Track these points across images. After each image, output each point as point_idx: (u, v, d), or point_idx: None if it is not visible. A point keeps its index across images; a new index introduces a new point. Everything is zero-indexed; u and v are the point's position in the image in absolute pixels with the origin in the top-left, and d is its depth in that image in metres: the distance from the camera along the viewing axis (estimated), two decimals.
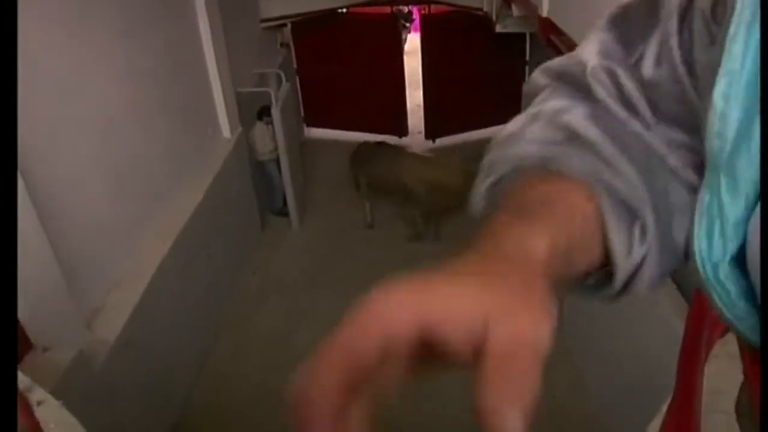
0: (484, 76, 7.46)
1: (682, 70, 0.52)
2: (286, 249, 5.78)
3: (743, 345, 0.49)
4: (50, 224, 2.50)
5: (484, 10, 6.20)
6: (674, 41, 0.52)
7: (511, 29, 5.43)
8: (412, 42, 9.57)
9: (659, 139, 0.54)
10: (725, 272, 0.44)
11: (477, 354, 0.32)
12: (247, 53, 5.78)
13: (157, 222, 3.74)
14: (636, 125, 0.54)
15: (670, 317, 2.62)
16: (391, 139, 7.83)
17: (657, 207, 0.51)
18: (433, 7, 7.28)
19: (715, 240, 0.43)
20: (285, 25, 7.14)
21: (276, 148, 5.63)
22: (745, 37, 0.40)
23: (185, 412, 3.82)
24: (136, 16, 3.62)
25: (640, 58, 0.54)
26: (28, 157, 2.42)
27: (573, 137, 0.54)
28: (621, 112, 0.54)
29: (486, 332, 0.32)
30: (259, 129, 5.60)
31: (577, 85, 0.57)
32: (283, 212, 6.05)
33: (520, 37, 6.64)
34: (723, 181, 0.42)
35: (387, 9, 7.39)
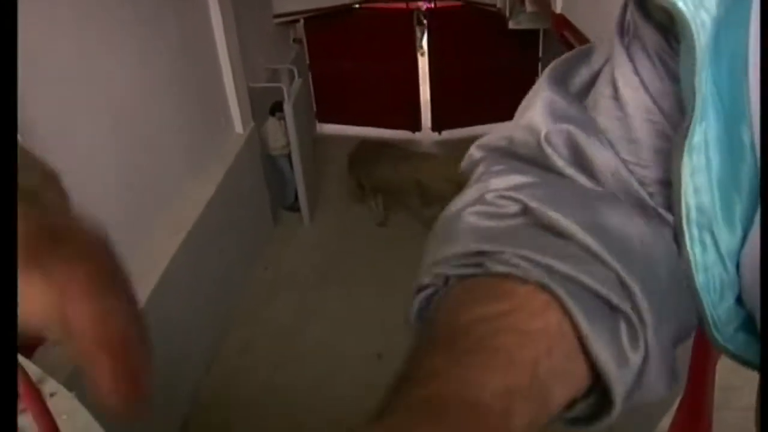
0: (495, 70, 7.43)
1: (647, 100, 0.43)
2: (297, 245, 5.80)
3: None
4: None
5: (498, 6, 6.18)
6: (627, 72, 0.43)
7: (524, 26, 5.41)
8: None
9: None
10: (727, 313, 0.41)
11: None
12: (259, 49, 5.79)
13: (169, 216, 3.76)
14: (600, 192, 0.44)
15: None
16: (404, 135, 7.83)
17: (647, 288, 0.39)
18: (442, 1, 7.27)
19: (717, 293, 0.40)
20: (298, 20, 7.14)
21: (288, 144, 5.64)
22: (706, 138, 0.37)
23: (194, 407, 3.85)
24: (148, 8, 3.63)
25: (595, 104, 0.46)
26: (38, 149, 2.43)
27: (524, 221, 0.43)
28: (584, 182, 0.44)
29: None
30: (272, 124, 5.61)
31: (527, 156, 0.47)
32: (295, 208, 6.06)
33: (533, 32, 6.61)
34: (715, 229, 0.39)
35: (402, 4, 7.38)
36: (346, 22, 7.38)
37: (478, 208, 0.45)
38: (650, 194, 0.43)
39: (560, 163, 0.44)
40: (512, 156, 0.48)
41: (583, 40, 3.17)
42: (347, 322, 4.57)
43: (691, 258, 0.40)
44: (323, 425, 3.53)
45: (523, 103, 0.49)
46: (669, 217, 0.42)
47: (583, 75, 0.49)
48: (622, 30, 0.44)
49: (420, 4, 8.16)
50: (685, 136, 0.37)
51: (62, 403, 1.28)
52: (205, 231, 3.99)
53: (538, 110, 0.46)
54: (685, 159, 0.38)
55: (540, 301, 0.37)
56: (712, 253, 0.40)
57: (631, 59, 0.42)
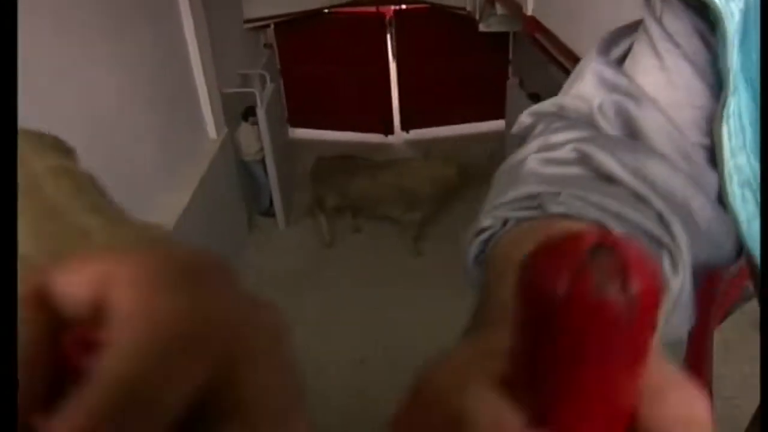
0: (465, 72, 7.51)
1: (689, 68, 0.49)
2: (273, 250, 5.77)
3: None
4: None
5: (467, 9, 6.23)
6: (669, 46, 0.49)
7: (495, 28, 5.45)
8: None
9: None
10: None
11: None
12: (231, 54, 5.76)
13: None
14: (649, 149, 0.49)
15: None
16: (377, 138, 7.85)
17: (685, 230, 0.45)
18: (409, 4, 7.32)
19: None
20: (268, 25, 7.12)
21: (262, 149, 5.62)
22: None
23: None
24: (121, 17, 3.59)
25: (636, 72, 0.51)
26: None
27: (580, 168, 0.48)
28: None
29: None
30: (245, 130, 5.59)
31: (579, 121, 0.52)
32: (270, 213, 6.03)
33: (503, 34, 6.68)
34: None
35: (372, 9, 7.40)
36: (317, 27, 7.38)
37: (538, 156, 0.50)
38: (694, 153, 0.49)
39: (613, 133, 0.50)
40: (565, 119, 0.54)
41: (554, 41, 3.22)
42: (327, 327, 4.55)
43: (736, 210, 0.46)
44: None
45: (572, 75, 0.54)
46: (710, 174, 0.48)
47: (624, 46, 0.54)
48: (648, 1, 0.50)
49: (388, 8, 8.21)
50: (723, 106, 0.44)
51: None
52: (181, 238, 3.94)
53: (588, 81, 0.52)
54: (724, 125, 0.44)
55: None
56: (752, 206, 0.45)
57: (669, 33, 0.49)
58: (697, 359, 0.80)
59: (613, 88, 0.50)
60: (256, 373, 0.22)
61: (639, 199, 0.45)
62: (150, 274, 0.22)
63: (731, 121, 0.44)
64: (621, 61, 0.53)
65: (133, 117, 3.70)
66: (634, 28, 0.54)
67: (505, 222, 0.47)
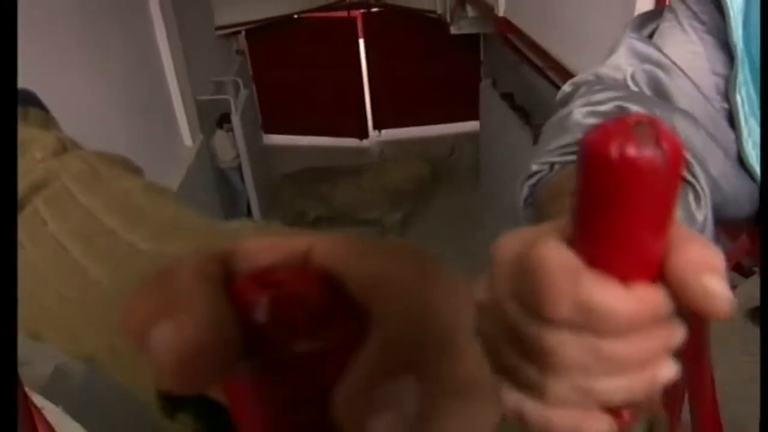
0: (436, 73, 7.56)
1: (711, 40, 0.56)
2: None
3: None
4: None
5: (438, 12, 6.29)
6: (694, 22, 0.56)
7: (466, 30, 5.50)
8: None
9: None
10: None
11: None
12: (204, 61, 5.74)
13: None
14: (677, 107, 0.57)
15: None
16: (351, 142, 7.87)
17: (705, 175, 0.52)
18: (376, 8, 7.36)
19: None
20: (240, 32, 7.10)
21: (238, 156, 5.61)
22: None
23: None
24: (94, 27, 3.58)
25: (664, 43, 0.59)
26: None
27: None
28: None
29: None
30: (220, 137, 5.57)
31: (615, 88, 0.59)
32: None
33: (475, 36, 6.75)
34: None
35: (343, 13, 7.43)
36: (288, 33, 7.37)
37: (582, 110, 0.57)
38: (715, 115, 0.57)
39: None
40: (604, 84, 0.61)
41: (527, 40, 3.28)
42: None
43: (752, 167, 0.53)
44: None
45: (608, 50, 0.62)
46: (729, 134, 0.55)
47: (651, 26, 0.62)
48: None
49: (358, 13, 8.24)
50: (735, 75, 0.50)
51: (50, 417, 1.27)
52: None
53: (622, 53, 0.59)
54: (737, 92, 0.50)
55: None
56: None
57: (694, 11, 0.56)
58: (696, 346, 0.85)
59: (644, 58, 0.57)
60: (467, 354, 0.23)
61: None
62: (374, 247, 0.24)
63: (742, 88, 0.50)
64: (650, 38, 0.60)
65: (109, 126, 3.67)
66: (659, 12, 0.61)
67: (551, 167, 0.55)
